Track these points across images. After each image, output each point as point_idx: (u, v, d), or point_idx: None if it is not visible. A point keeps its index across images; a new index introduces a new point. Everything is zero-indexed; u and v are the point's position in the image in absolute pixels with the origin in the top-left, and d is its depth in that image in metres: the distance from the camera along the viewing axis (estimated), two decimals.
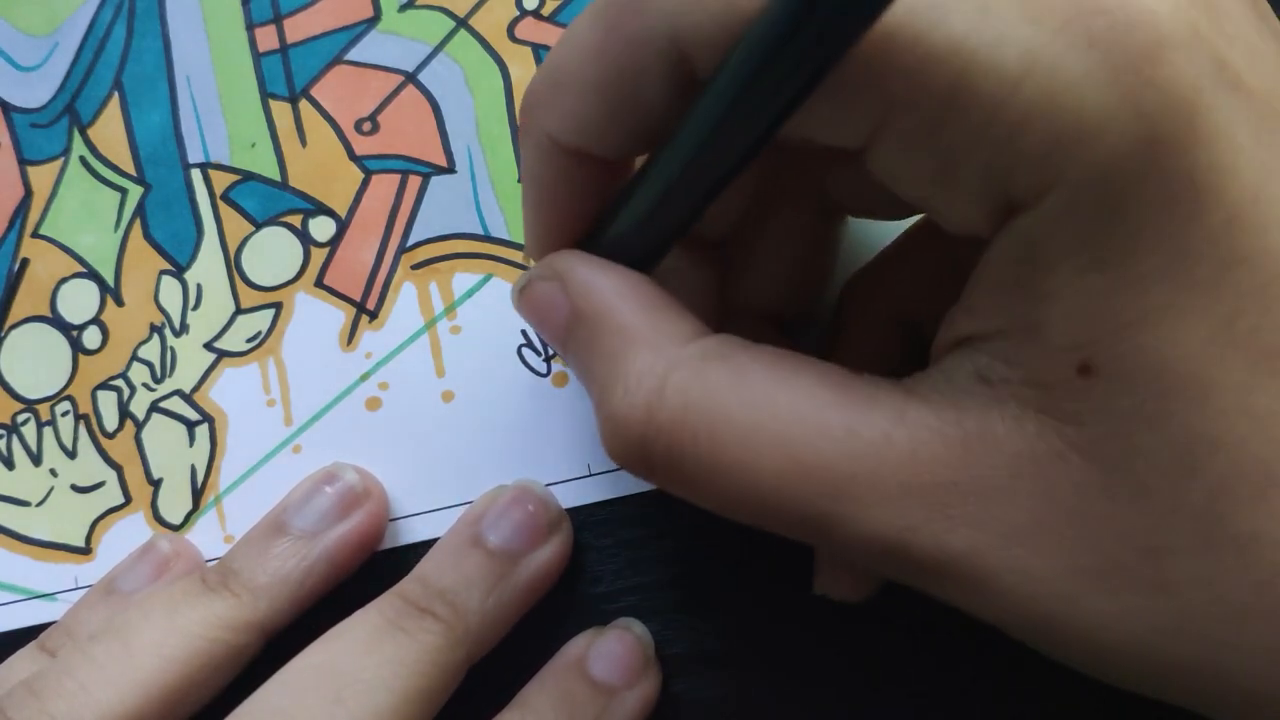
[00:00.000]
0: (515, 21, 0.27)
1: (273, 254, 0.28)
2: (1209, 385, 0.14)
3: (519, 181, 0.26)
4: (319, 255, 0.27)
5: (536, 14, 0.27)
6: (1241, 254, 0.14)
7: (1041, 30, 0.13)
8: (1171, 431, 0.14)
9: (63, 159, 0.29)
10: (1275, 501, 0.14)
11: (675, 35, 0.15)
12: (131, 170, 0.29)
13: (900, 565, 0.16)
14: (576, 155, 0.18)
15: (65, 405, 0.29)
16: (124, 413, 0.28)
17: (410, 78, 0.27)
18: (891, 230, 0.23)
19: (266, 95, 0.28)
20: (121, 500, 0.28)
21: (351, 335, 0.27)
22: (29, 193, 0.30)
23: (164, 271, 0.28)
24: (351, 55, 0.28)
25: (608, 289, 0.18)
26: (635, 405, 0.17)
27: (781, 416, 0.16)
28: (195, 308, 0.28)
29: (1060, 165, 0.13)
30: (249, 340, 0.28)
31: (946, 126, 0.14)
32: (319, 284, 0.27)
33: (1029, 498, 0.15)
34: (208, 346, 0.28)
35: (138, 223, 0.29)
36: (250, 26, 0.29)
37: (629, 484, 0.25)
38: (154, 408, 0.28)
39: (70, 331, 0.29)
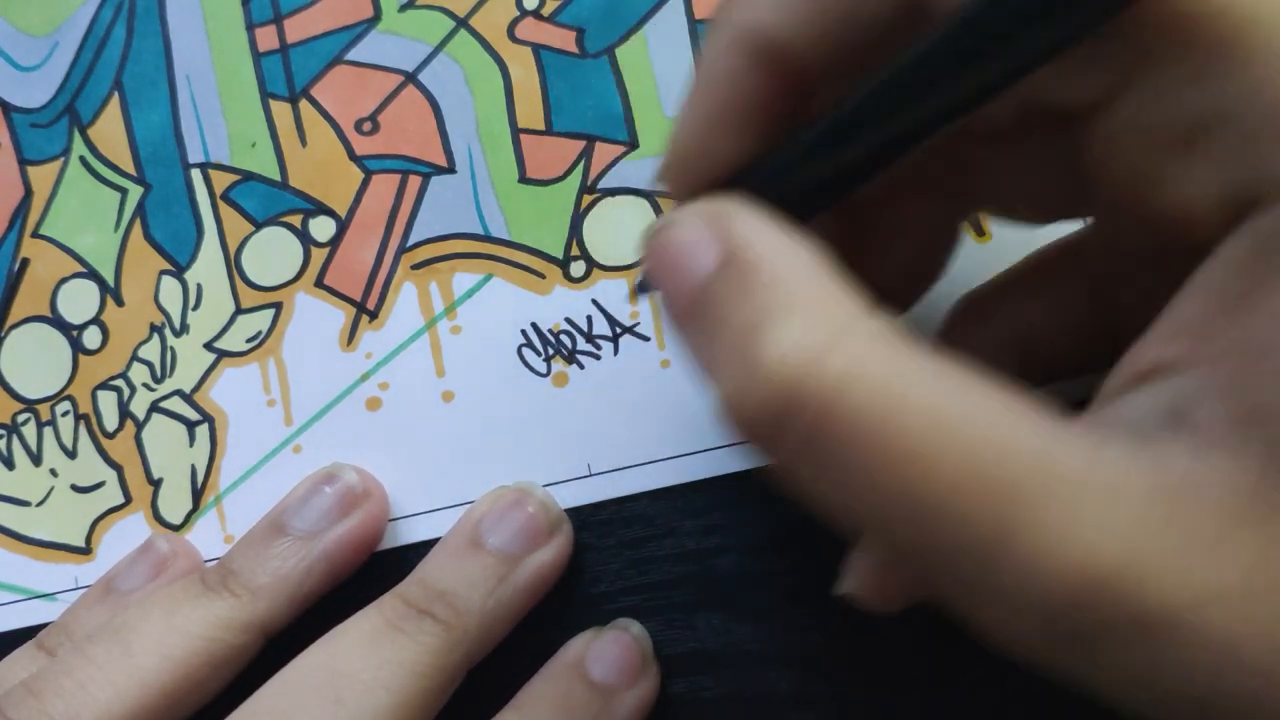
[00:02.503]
0: (515, 21, 0.27)
1: (273, 254, 0.28)
2: None
3: (519, 182, 0.26)
4: (319, 255, 0.27)
5: (536, 14, 0.27)
6: None
7: None
8: None
9: (63, 159, 0.29)
10: None
11: None
12: (131, 170, 0.29)
13: (1073, 617, 0.13)
14: (770, 58, 0.16)
15: (65, 405, 0.29)
16: (124, 413, 0.28)
17: (410, 78, 0.27)
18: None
19: (266, 95, 0.28)
20: (121, 500, 0.28)
21: (351, 335, 0.27)
22: (29, 193, 0.30)
23: (164, 271, 0.28)
24: (351, 55, 0.28)
25: (776, 244, 0.15)
26: (788, 361, 0.14)
27: (971, 419, 0.13)
28: (195, 308, 0.28)
29: None
30: (249, 340, 0.28)
31: (1207, 86, 0.13)
32: (319, 284, 0.27)
33: (1241, 554, 0.12)
34: (208, 346, 0.28)
35: (138, 223, 0.29)
36: (250, 26, 0.29)
37: (629, 484, 0.25)
38: (154, 408, 0.28)
39: (70, 331, 0.29)
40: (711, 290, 0.16)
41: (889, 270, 0.20)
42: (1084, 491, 0.13)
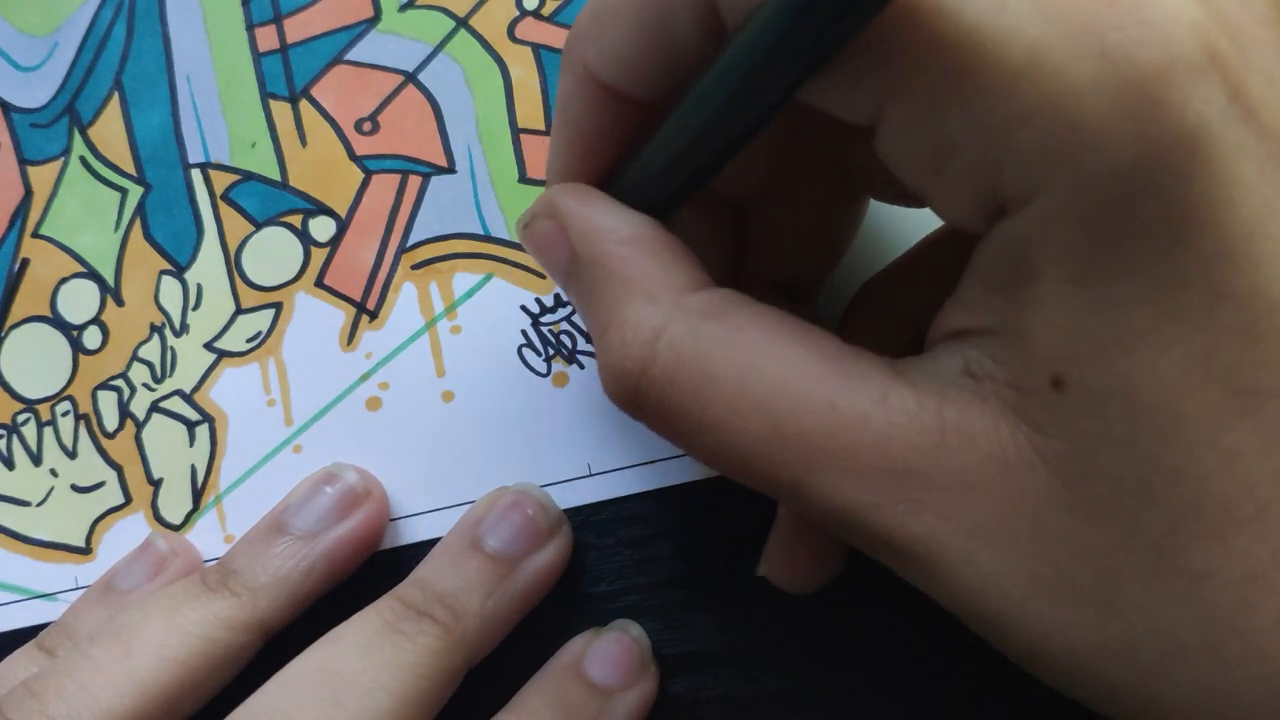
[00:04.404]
0: (515, 21, 0.27)
1: (273, 254, 0.28)
2: (1179, 417, 0.14)
3: (519, 182, 0.26)
4: (319, 255, 0.27)
5: (536, 14, 0.27)
6: (1229, 289, 0.13)
7: (1053, 31, 0.13)
8: (1135, 459, 0.14)
9: (63, 159, 0.29)
10: (1232, 540, 0.14)
11: None
12: (131, 170, 0.29)
13: (863, 539, 0.16)
14: (609, 91, 0.18)
15: (65, 405, 0.29)
16: (124, 413, 0.28)
17: (410, 78, 0.27)
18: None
19: (266, 95, 0.28)
20: (122, 500, 0.28)
21: (352, 335, 0.27)
22: (29, 193, 0.30)
23: (164, 271, 0.28)
24: (351, 55, 0.28)
25: (608, 234, 0.18)
26: (631, 357, 0.17)
27: (768, 383, 0.16)
28: (195, 308, 0.28)
29: (1050, 171, 0.13)
30: (249, 340, 0.28)
31: (946, 113, 0.14)
32: (319, 284, 0.27)
33: (995, 497, 0.15)
34: (208, 346, 0.28)
35: (138, 223, 0.29)
36: (250, 26, 0.29)
37: (629, 484, 0.25)
38: (154, 408, 0.28)
39: (70, 331, 0.29)
40: (571, 283, 0.19)
41: (797, 246, 0.22)
42: (860, 436, 0.15)
